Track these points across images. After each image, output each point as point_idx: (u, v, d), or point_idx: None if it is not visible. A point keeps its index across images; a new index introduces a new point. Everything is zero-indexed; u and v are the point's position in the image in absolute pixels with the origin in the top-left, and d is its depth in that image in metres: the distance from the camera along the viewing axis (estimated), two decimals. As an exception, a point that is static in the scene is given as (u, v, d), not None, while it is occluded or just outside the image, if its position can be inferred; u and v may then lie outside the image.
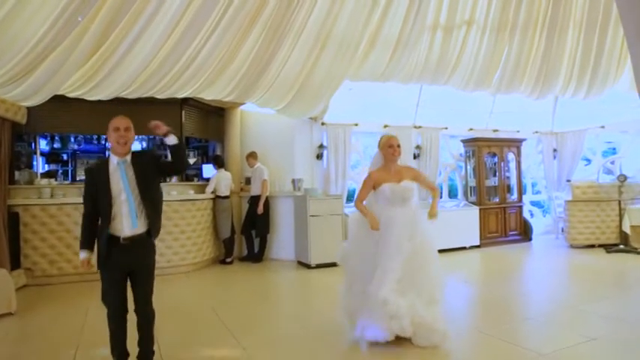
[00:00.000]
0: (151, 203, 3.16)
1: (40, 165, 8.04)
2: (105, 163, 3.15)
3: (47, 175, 7.42)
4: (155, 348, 3.39)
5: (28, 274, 6.38)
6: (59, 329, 4.55)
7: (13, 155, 6.72)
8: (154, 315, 3.32)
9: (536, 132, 10.81)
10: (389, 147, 4.06)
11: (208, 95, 6.30)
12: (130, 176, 3.10)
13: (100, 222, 3.14)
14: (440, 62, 7.07)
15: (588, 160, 11.21)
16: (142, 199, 3.10)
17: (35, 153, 7.86)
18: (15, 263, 6.15)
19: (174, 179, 7.73)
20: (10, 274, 5.46)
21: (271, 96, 6.66)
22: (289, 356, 3.75)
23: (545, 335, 4.11)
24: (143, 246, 3.17)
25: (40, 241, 6.44)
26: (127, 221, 3.07)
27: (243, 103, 7.96)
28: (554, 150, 10.96)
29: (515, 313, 4.93)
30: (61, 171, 8.50)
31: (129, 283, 3.22)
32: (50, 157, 8.51)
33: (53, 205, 6.49)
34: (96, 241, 3.16)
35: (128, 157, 3.15)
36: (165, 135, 3.15)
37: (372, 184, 4.07)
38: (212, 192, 7.81)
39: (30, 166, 7.64)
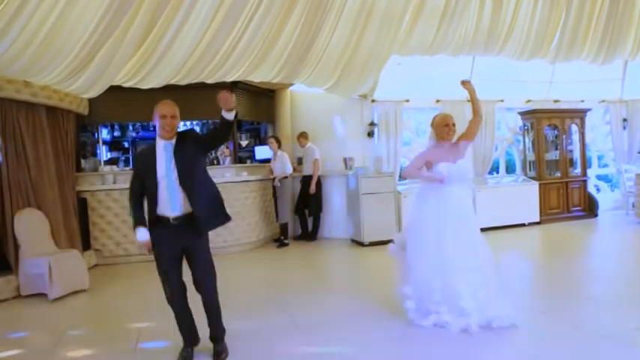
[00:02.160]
0: (194, 186, 3.17)
1: (104, 153, 8.54)
2: (153, 146, 3.24)
3: (110, 162, 7.87)
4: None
5: (98, 254, 6.85)
6: (127, 305, 4.88)
7: (79, 145, 7.19)
8: (215, 295, 3.33)
9: (603, 101, 10.10)
10: (444, 126, 3.93)
11: (256, 77, 6.37)
12: (176, 158, 3.15)
13: (147, 203, 3.22)
14: (491, 31, 6.67)
15: (665, 130, 10.36)
16: (181, 181, 3.12)
17: (98, 142, 8.36)
18: (86, 245, 6.63)
19: (227, 161, 7.93)
20: (82, 255, 5.88)
21: (318, 75, 6.64)
22: (342, 332, 3.77)
23: (610, 316, 3.87)
24: (194, 226, 3.18)
25: (107, 224, 6.88)
26: (172, 203, 3.13)
27: (292, 84, 8.00)
28: (624, 120, 10.20)
29: (577, 292, 4.68)
30: (122, 158, 8.98)
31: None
32: (112, 145, 9.01)
33: (116, 190, 6.88)
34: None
35: (174, 140, 3.21)
36: (229, 110, 3.09)
37: (426, 158, 3.96)
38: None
39: (94, 154, 8.14)
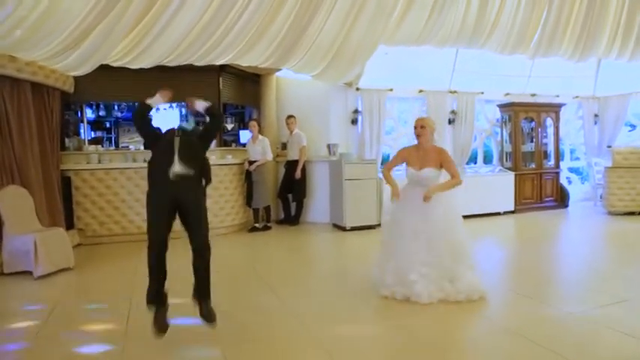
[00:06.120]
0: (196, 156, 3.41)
1: (87, 132, 8.42)
2: None
3: (94, 141, 7.79)
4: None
5: (81, 234, 6.81)
6: (114, 283, 4.91)
7: (63, 123, 7.10)
8: (210, 253, 3.37)
9: (577, 97, 10.48)
10: (414, 128, 4.26)
11: (246, 62, 6.41)
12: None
13: (157, 161, 3.37)
14: (477, 24, 6.88)
15: (632, 126, 10.83)
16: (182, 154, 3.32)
17: (82, 121, 8.24)
18: (69, 224, 6.59)
19: (213, 144, 7.93)
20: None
21: (308, 62, 6.71)
22: (324, 308, 3.95)
23: (577, 296, 4.21)
24: (191, 182, 3.31)
25: (91, 203, 6.84)
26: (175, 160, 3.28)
27: (279, 69, 8.04)
28: (596, 115, 10.63)
29: (547, 275, 4.99)
30: (105, 138, 8.88)
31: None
32: (96, 124, 8.88)
33: (101, 169, 6.85)
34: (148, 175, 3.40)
35: None
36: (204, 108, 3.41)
37: (401, 158, 4.35)
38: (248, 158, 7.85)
39: (77, 133, 8.03)
